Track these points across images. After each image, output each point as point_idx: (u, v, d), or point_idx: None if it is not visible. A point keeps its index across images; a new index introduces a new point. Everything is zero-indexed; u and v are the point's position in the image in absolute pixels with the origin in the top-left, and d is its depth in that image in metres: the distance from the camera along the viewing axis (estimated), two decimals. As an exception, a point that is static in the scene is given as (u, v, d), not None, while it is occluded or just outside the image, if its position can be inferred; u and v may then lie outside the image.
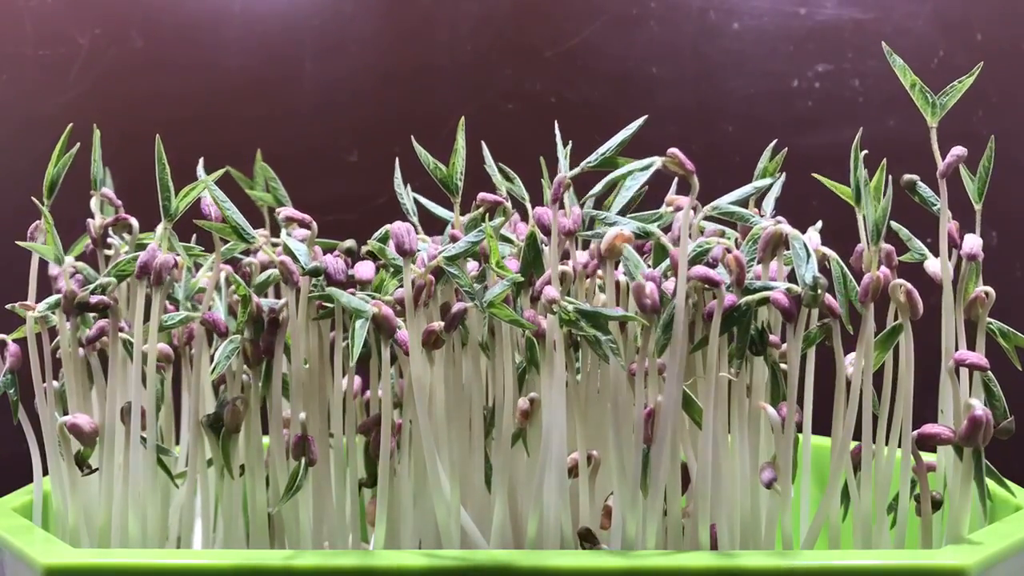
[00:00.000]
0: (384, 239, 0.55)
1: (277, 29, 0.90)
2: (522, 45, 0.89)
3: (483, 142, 0.55)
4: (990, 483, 0.55)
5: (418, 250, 0.52)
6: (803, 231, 0.54)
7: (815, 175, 0.54)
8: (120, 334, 0.54)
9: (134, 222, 0.58)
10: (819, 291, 0.50)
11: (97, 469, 0.54)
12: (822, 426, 0.54)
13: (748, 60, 0.88)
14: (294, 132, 0.90)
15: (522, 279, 0.51)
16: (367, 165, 0.89)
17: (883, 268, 0.51)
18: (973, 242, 0.54)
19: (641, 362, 0.50)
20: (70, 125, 0.54)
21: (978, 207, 0.54)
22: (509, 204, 0.57)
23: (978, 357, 0.52)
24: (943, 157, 0.53)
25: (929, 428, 0.51)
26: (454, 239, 0.53)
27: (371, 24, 0.90)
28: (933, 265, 0.55)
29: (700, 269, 0.49)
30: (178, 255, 0.56)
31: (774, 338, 0.53)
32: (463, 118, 0.54)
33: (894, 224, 0.55)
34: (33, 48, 0.89)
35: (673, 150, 0.48)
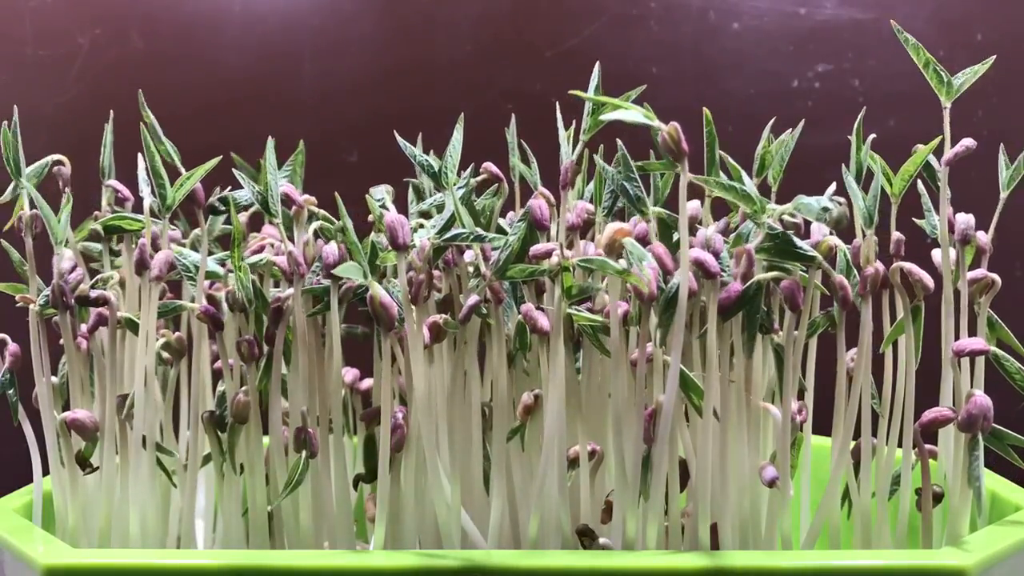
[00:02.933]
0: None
1: (277, 29, 0.90)
2: (522, 45, 0.89)
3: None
4: (990, 484, 0.55)
5: (412, 244, 0.51)
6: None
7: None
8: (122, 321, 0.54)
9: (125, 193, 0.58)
10: (843, 206, 0.49)
11: (98, 467, 0.54)
12: (826, 426, 0.54)
13: (748, 60, 0.88)
14: (294, 132, 0.90)
15: (527, 215, 0.51)
16: (367, 165, 0.89)
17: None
18: (966, 221, 0.53)
19: (642, 350, 0.49)
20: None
21: (1004, 195, 0.53)
22: (515, 186, 0.57)
23: (977, 342, 0.52)
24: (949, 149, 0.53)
25: (930, 413, 0.51)
26: (440, 209, 0.52)
27: (371, 24, 0.90)
28: (938, 256, 0.54)
29: (698, 253, 0.49)
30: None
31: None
32: (462, 114, 0.53)
33: (919, 185, 0.54)
34: (33, 48, 0.89)
35: (675, 125, 0.47)
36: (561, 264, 0.50)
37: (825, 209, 0.48)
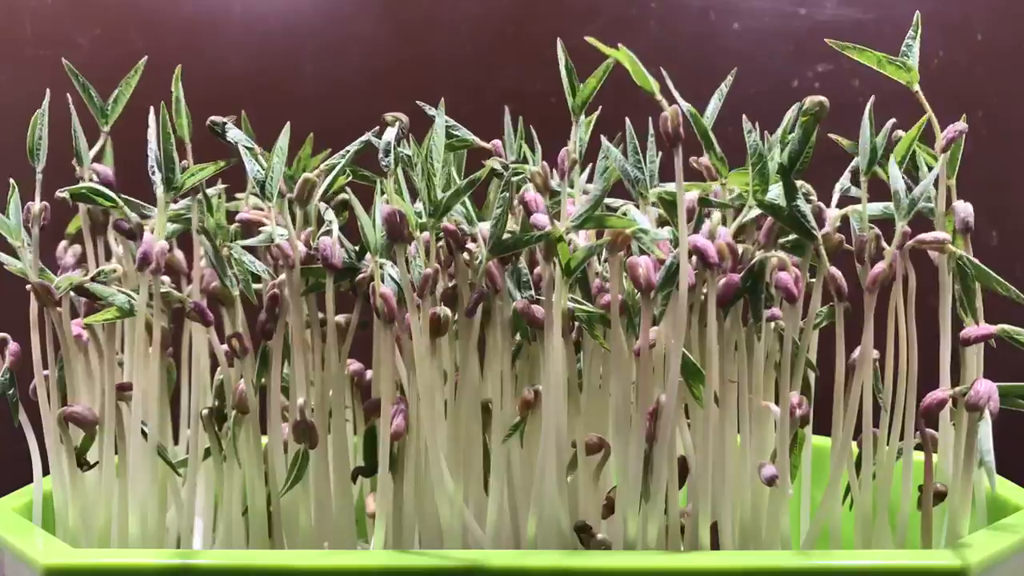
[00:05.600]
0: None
1: (277, 29, 0.90)
2: (522, 45, 0.89)
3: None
4: (990, 484, 0.55)
5: (413, 236, 0.50)
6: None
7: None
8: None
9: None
10: (809, 100, 0.49)
11: (96, 464, 0.54)
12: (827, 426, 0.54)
13: (748, 60, 0.88)
14: (293, 133, 0.90)
15: (510, 188, 0.50)
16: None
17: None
18: (965, 209, 0.53)
19: (645, 340, 0.49)
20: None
21: (951, 182, 0.53)
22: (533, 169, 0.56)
23: (985, 328, 0.51)
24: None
25: (929, 397, 0.51)
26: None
27: (371, 25, 0.90)
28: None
29: (699, 241, 0.49)
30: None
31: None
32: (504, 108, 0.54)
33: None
34: (33, 48, 0.89)
35: (676, 108, 0.48)
36: (553, 233, 0.49)
37: (800, 121, 0.48)
